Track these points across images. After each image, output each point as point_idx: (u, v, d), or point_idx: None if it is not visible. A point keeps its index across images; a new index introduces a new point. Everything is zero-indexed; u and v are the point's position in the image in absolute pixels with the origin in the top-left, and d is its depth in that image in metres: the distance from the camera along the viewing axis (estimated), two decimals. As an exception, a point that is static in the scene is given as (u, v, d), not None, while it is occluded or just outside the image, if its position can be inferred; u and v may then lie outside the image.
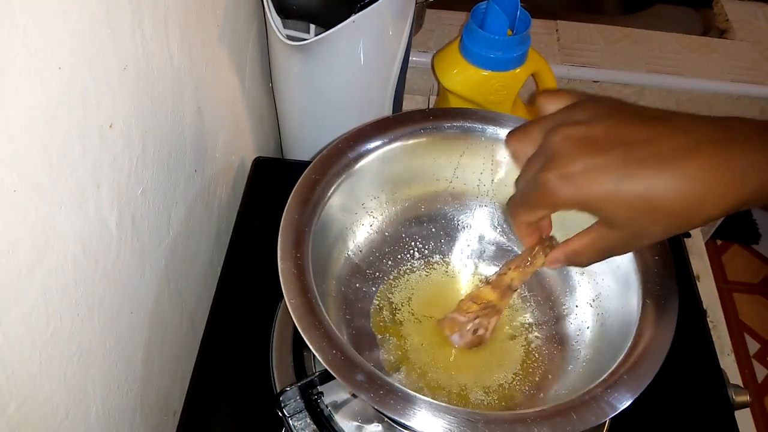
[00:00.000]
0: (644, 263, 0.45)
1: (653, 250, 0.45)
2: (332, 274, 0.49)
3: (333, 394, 0.47)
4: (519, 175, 0.40)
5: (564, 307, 0.52)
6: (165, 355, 0.55)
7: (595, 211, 0.35)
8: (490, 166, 0.53)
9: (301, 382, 0.45)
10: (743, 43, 0.99)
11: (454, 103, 0.77)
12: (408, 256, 0.55)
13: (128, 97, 0.41)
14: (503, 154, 0.52)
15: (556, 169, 0.35)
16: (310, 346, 0.38)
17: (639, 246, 0.39)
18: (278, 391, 0.49)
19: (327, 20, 0.59)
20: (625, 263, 0.46)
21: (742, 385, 0.58)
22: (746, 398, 0.55)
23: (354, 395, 0.46)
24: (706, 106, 0.95)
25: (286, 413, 0.45)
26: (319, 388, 0.47)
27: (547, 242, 0.44)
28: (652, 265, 0.45)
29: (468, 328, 0.48)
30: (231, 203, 0.68)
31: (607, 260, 0.48)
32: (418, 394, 0.37)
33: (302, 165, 0.48)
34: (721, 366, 0.57)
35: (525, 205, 0.39)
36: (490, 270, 0.55)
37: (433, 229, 0.56)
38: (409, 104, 0.93)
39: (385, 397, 0.36)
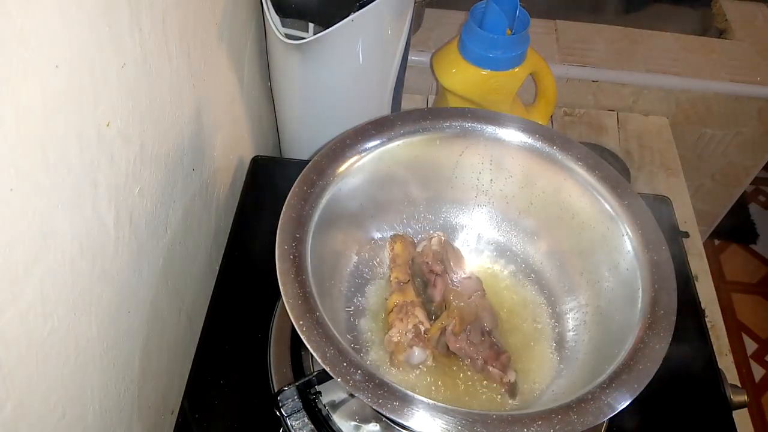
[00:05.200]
0: (642, 263, 0.45)
1: (652, 250, 0.45)
2: (330, 273, 0.49)
3: (331, 393, 0.47)
4: None
5: (563, 306, 0.51)
6: (163, 355, 0.55)
7: None
8: (489, 165, 0.53)
9: (299, 382, 0.45)
10: (742, 42, 0.99)
11: (453, 102, 0.77)
12: (406, 255, 0.55)
13: (126, 95, 0.41)
14: (502, 154, 0.52)
15: None
16: (308, 346, 0.38)
17: None
18: (276, 390, 0.49)
19: (326, 19, 0.59)
20: (623, 263, 0.46)
21: (739, 385, 0.58)
22: (744, 398, 0.55)
23: (352, 395, 0.46)
24: (705, 107, 0.95)
25: (284, 413, 0.45)
26: (317, 388, 0.47)
27: None
28: (651, 264, 0.45)
29: (407, 338, 0.47)
30: (229, 202, 0.67)
31: (606, 260, 0.48)
32: (416, 394, 0.37)
33: (300, 164, 0.48)
34: (719, 366, 0.57)
35: None
36: (488, 268, 0.55)
37: (432, 229, 0.56)
38: (408, 103, 0.93)
39: (382, 397, 0.36)
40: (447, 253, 0.52)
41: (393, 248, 0.52)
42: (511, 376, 0.46)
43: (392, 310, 0.48)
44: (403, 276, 0.50)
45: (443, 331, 0.47)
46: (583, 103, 0.96)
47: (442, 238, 0.52)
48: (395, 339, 0.47)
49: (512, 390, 0.47)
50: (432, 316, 0.50)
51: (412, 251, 0.53)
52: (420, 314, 0.48)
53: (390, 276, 0.51)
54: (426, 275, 0.51)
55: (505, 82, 0.73)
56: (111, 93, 0.38)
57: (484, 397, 0.47)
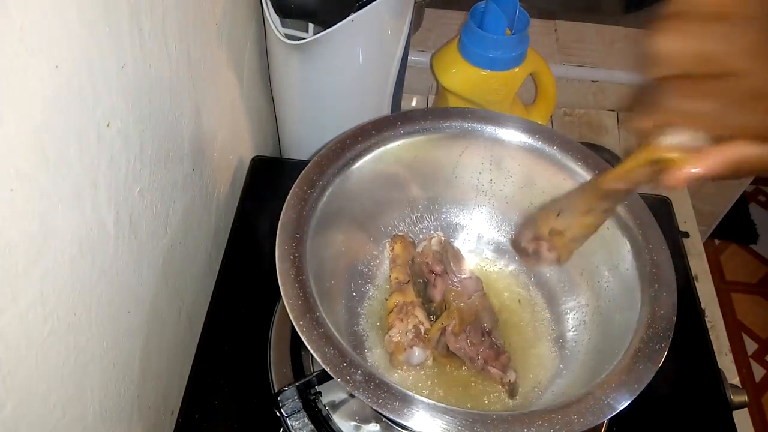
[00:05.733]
0: (642, 263, 0.45)
1: (652, 250, 0.45)
2: (330, 273, 0.49)
3: (331, 393, 0.47)
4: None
5: (563, 306, 0.51)
6: (163, 355, 0.55)
7: None
8: (489, 165, 0.53)
9: (299, 382, 0.45)
10: (742, 43, 0.99)
11: (453, 102, 0.77)
12: (406, 255, 0.55)
13: (126, 95, 0.41)
14: (502, 154, 0.52)
15: None
16: (308, 346, 0.38)
17: None
18: (276, 390, 0.49)
19: (326, 19, 0.59)
20: (623, 263, 0.46)
21: (740, 385, 0.58)
22: (744, 398, 0.56)
23: (352, 395, 0.46)
24: (705, 106, 0.95)
25: (284, 413, 0.45)
26: (317, 388, 0.47)
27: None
28: (651, 264, 0.45)
29: (407, 338, 0.47)
30: (229, 202, 0.67)
31: (606, 260, 0.48)
32: (416, 395, 0.37)
33: (300, 164, 0.48)
34: (719, 366, 0.57)
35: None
36: (488, 268, 0.55)
37: (432, 229, 0.56)
38: (407, 103, 0.93)
39: (383, 397, 0.36)
40: (447, 254, 0.52)
41: (393, 248, 0.52)
42: (511, 376, 0.46)
43: (392, 311, 0.49)
44: (403, 276, 0.51)
45: (443, 331, 0.47)
46: (583, 103, 0.96)
47: (442, 238, 0.53)
48: (395, 339, 0.47)
49: (512, 390, 0.47)
50: (432, 316, 0.50)
51: (412, 251, 0.53)
52: (420, 314, 0.48)
53: (390, 276, 0.51)
54: (426, 275, 0.51)
55: (504, 82, 0.73)
56: (111, 93, 0.38)
57: (484, 397, 0.47)
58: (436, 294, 0.50)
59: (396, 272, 0.51)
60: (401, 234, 0.54)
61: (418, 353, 0.47)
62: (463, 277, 0.52)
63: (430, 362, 0.48)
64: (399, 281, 0.50)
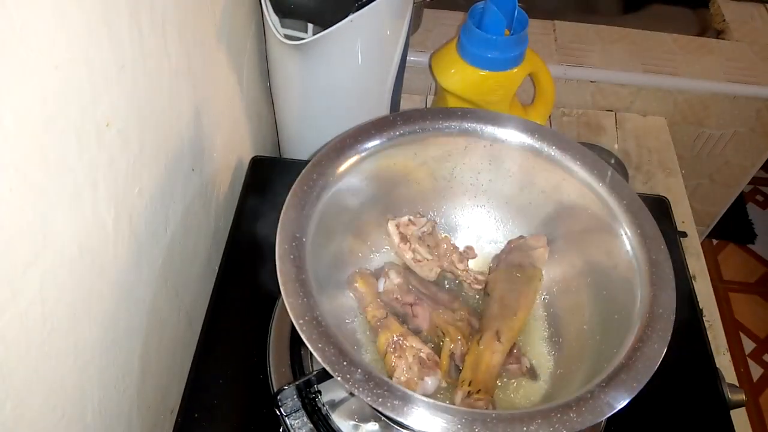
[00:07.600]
0: (641, 263, 0.45)
1: (650, 250, 0.45)
2: (330, 272, 0.49)
3: (330, 392, 0.47)
4: None
5: (561, 306, 0.52)
6: (162, 354, 0.55)
7: None
8: (489, 165, 0.53)
9: (299, 381, 0.45)
10: (740, 43, 0.99)
11: (452, 102, 0.77)
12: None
13: (125, 96, 0.41)
14: (501, 154, 0.52)
15: None
16: (308, 345, 0.38)
17: None
18: (275, 390, 0.49)
19: (325, 19, 0.59)
20: (622, 263, 0.47)
21: (737, 385, 0.58)
22: (742, 397, 0.56)
23: (352, 394, 0.46)
24: (703, 107, 0.95)
25: (283, 412, 0.45)
26: (317, 387, 0.47)
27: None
28: (650, 264, 0.45)
29: (414, 372, 0.45)
30: (228, 202, 0.67)
31: (605, 260, 0.48)
32: (416, 394, 0.37)
33: (300, 164, 0.48)
34: (717, 365, 0.57)
35: None
36: (488, 268, 0.55)
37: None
38: (406, 104, 0.93)
39: (382, 396, 0.36)
40: (411, 280, 0.50)
41: (356, 289, 0.50)
42: (526, 363, 0.47)
43: (387, 352, 0.46)
44: (379, 312, 0.49)
45: (452, 357, 0.47)
46: (582, 103, 0.96)
47: (398, 266, 0.51)
48: (404, 378, 0.45)
49: (532, 373, 0.47)
50: (429, 344, 0.48)
51: (375, 282, 0.51)
52: (414, 342, 0.47)
53: (367, 318, 0.49)
54: (401, 309, 0.50)
55: (503, 83, 0.73)
56: (110, 93, 0.39)
57: (507, 393, 0.47)
58: (421, 323, 0.49)
59: (370, 311, 0.49)
60: (356, 271, 0.51)
61: (431, 382, 0.45)
62: (438, 295, 0.50)
63: (444, 384, 0.47)
64: (377, 318, 0.48)
